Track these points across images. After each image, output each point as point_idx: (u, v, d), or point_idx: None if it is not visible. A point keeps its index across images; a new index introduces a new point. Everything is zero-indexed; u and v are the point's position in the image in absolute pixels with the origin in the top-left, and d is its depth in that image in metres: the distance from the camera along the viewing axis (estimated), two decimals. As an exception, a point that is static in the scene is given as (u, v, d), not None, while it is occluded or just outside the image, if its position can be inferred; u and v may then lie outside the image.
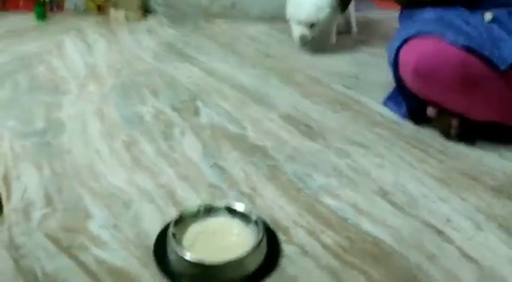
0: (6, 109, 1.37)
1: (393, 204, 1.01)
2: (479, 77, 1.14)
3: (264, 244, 0.86)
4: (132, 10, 2.26)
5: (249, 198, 1.03)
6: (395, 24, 1.43)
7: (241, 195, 1.03)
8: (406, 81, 1.24)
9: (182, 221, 0.90)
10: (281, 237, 0.92)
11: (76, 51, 1.84)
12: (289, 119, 1.36)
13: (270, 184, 1.08)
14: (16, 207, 0.96)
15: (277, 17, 1.96)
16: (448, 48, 1.14)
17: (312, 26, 1.66)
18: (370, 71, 1.65)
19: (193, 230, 0.89)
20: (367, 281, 0.82)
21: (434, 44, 1.15)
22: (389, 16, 1.99)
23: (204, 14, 2.26)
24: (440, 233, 0.93)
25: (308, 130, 1.31)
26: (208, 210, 0.93)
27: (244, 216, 0.91)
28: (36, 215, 0.94)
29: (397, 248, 0.89)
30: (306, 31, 1.66)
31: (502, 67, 1.11)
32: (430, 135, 1.26)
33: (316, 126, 1.33)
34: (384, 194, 1.04)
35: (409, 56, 1.18)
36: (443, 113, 1.23)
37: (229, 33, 2.03)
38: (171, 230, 0.86)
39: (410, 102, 1.29)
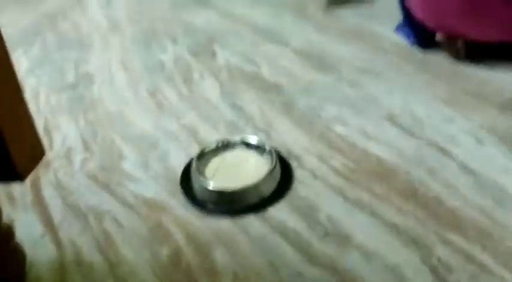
0: (39, 66, 1.48)
1: (399, 127, 1.07)
2: None
3: (277, 170, 0.96)
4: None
5: (265, 133, 1.11)
6: None
7: (258, 131, 1.12)
8: (414, 11, 1.25)
9: (203, 155, 1.00)
10: (294, 164, 1.00)
11: (97, 5, 1.91)
12: (302, 54, 1.41)
13: (284, 118, 1.15)
14: (59, 154, 1.09)
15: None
16: None
17: None
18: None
19: (214, 163, 1.00)
20: (370, 196, 0.90)
21: None
22: None
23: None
24: (442, 149, 0.99)
25: (321, 63, 1.36)
26: (226, 145, 1.02)
27: (258, 148, 1.01)
28: (77, 158, 1.07)
29: (401, 166, 0.96)
30: None
31: None
32: (440, 59, 1.28)
33: (329, 58, 1.37)
34: (391, 118, 1.10)
35: None
36: (451, 37, 1.24)
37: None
38: (194, 164, 0.97)
39: (418, 31, 1.30)
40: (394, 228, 0.84)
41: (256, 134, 1.10)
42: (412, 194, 0.90)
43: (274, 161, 0.95)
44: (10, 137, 0.56)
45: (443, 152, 0.98)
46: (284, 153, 1.03)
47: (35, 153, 0.62)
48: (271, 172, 0.94)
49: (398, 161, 0.97)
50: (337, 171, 0.97)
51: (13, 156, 0.57)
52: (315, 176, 0.97)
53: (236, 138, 1.03)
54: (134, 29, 1.66)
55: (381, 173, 0.95)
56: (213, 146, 1.02)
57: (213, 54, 1.46)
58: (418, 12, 1.23)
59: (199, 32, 1.60)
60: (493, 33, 1.20)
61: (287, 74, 1.33)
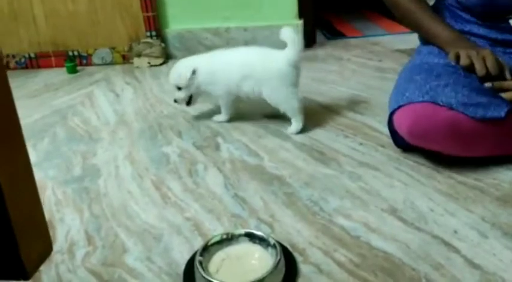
0: (47, 160, 1.52)
1: (402, 220, 1.08)
2: (472, 129, 1.18)
3: (282, 265, 0.95)
4: (154, 57, 2.43)
5: (269, 225, 1.12)
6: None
7: (261, 223, 1.12)
8: (401, 135, 1.28)
9: (207, 249, 0.99)
10: (298, 258, 1.00)
11: (106, 100, 2.01)
12: (303, 148, 1.46)
13: (287, 210, 1.17)
14: (61, 248, 1.08)
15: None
16: (437, 110, 1.18)
17: (179, 88, 1.64)
18: (379, 93, 1.74)
19: (218, 257, 0.99)
20: (378, 293, 0.89)
21: (425, 109, 1.19)
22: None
23: (220, 54, 2.41)
24: (447, 244, 0.99)
25: (321, 156, 1.40)
26: (230, 238, 1.02)
27: (263, 241, 1.00)
28: (80, 253, 1.06)
29: (406, 261, 0.96)
30: (176, 93, 1.65)
31: (477, 116, 1.16)
32: (438, 154, 1.33)
33: (329, 152, 1.41)
34: (393, 212, 1.11)
35: (403, 120, 1.23)
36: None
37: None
38: (197, 258, 0.96)
39: (407, 147, 1.33)
40: (404, 327, 0.81)
41: (259, 226, 1.10)
42: (420, 290, 0.88)
43: (279, 255, 0.95)
44: (22, 236, 0.56)
45: (448, 246, 0.98)
46: (288, 246, 1.03)
47: (44, 251, 0.62)
48: (276, 266, 0.93)
49: (403, 256, 0.97)
50: (342, 266, 0.96)
51: (23, 254, 0.57)
52: (320, 271, 0.95)
53: (240, 230, 1.03)
54: (141, 123, 1.73)
55: (387, 268, 0.94)
56: (217, 239, 1.02)
57: (217, 147, 1.51)
58: (404, 134, 1.26)
59: (203, 126, 1.67)
60: (481, 151, 1.25)
61: (289, 166, 1.36)
